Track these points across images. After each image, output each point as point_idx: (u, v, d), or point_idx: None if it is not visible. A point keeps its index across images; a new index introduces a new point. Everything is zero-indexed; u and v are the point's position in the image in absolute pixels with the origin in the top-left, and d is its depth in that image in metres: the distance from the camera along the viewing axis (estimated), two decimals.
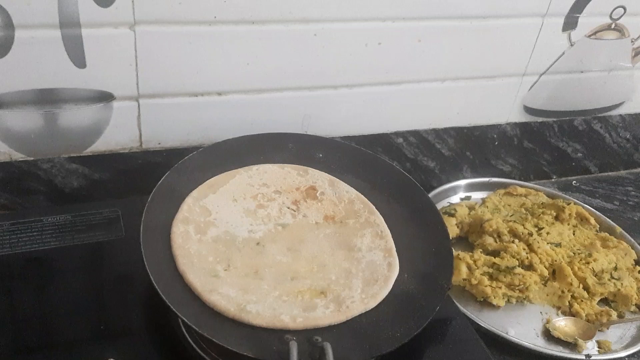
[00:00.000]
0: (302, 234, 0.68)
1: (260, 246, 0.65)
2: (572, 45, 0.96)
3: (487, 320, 0.75)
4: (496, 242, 0.84)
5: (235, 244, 0.65)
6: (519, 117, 1.02)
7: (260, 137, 0.78)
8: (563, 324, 0.77)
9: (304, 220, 0.70)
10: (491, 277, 0.79)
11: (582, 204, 0.96)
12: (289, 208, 0.71)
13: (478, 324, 0.73)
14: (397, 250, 0.67)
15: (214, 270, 0.61)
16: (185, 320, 0.54)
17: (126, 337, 0.63)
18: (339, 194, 0.74)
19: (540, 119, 1.04)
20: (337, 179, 0.76)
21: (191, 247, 0.63)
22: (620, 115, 1.10)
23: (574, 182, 1.10)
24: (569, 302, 0.79)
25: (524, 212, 0.92)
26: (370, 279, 0.63)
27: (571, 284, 0.79)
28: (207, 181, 0.72)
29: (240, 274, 0.62)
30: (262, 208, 0.70)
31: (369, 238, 0.68)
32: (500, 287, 0.78)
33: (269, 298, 0.59)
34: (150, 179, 0.68)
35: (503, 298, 0.77)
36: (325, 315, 0.58)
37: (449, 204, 0.96)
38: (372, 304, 0.60)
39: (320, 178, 0.75)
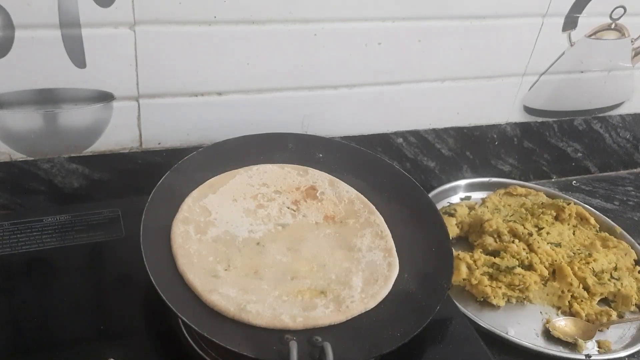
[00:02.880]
0: (302, 234, 0.68)
1: (260, 246, 0.65)
2: (572, 45, 0.96)
3: (487, 320, 0.75)
4: (496, 242, 0.84)
5: (235, 244, 0.65)
6: (519, 117, 1.02)
7: (260, 137, 0.78)
8: (563, 324, 0.77)
9: (303, 220, 0.70)
10: (491, 277, 0.79)
11: (582, 204, 0.96)
12: (288, 208, 0.71)
13: (478, 324, 0.73)
14: (397, 250, 0.67)
15: (214, 270, 0.61)
16: (185, 320, 0.54)
17: (126, 337, 0.63)
18: (339, 194, 0.74)
19: (540, 119, 1.04)
20: (337, 179, 0.76)
21: (191, 247, 0.63)
22: (620, 115, 1.10)
23: (574, 182, 1.10)
24: (568, 302, 0.79)
25: (524, 212, 0.92)
26: (370, 279, 0.63)
27: (571, 284, 0.79)
28: (207, 181, 0.72)
29: (240, 274, 0.62)
30: (262, 208, 0.70)
31: (369, 238, 0.68)
32: (500, 287, 0.78)
33: (269, 298, 0.59)
34: (150, 179, 0.68)
35: (503, 298, 0.77)
36: (325, 315, 0.58)
37: (449, 204, 0.96)
38: (372, 303, 0.60)
39: (320, 178, 0.75)
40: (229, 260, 0.63)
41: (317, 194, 0.73)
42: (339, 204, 0.72)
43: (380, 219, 0.71)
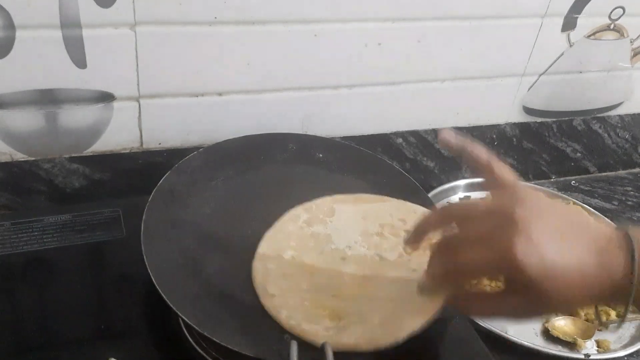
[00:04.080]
0: (391, 274, 0.64)
1: (342, 260, 0.64)
2: (571, 45, 0.96)
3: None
4: None
5: (326, 245, 0.65)
6: (518, 117, 1.02)
7: (260, 137, 0.78)
8: (562, 324, 0.77)
9: (404, 263, 0.65)
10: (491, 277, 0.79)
11: (581, 204, 0.97)
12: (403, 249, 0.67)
13: (478, 324, 0.73)
14: None
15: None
16: (186, 320, 0.54)
17: (126, 337, 0.63)
18: None
19: (539, 119, 1.04)
20: None
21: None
22: (619, 115, 1.11)
23: (573, 182, 1.11)
24: None
25: None
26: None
27: None
28: (358, 195, 0.72)
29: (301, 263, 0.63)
30: (381, 236, 0.68)
31: None
32: (500, 287, 0.77)
33: (296, 296, 0.59)
34: (151, 179, 0.68)
35: None
36: (316, 331, 0.56)
37: (448, 204, 0.96)
38: (365, 346, 0.57)
39: None
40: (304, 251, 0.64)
41: None
42: None
43: None
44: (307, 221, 0.68)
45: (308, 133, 0.88)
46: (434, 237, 0.55)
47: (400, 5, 0.81)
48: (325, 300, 0.60)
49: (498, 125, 1.01)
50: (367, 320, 0.58)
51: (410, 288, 0.59)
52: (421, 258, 0.60)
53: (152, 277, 0.56)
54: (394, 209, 0.71)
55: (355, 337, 0.56)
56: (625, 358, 0.74)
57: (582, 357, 0.72)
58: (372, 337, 0.56)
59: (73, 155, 0.79)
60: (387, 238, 0.68)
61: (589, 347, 0.75)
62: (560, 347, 0.74)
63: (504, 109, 1.00)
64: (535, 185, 1.01)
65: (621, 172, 1.17)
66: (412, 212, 0.70)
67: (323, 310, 0.59)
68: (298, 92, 0.85)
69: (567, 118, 1.06)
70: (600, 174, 1.15)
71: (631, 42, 1.01)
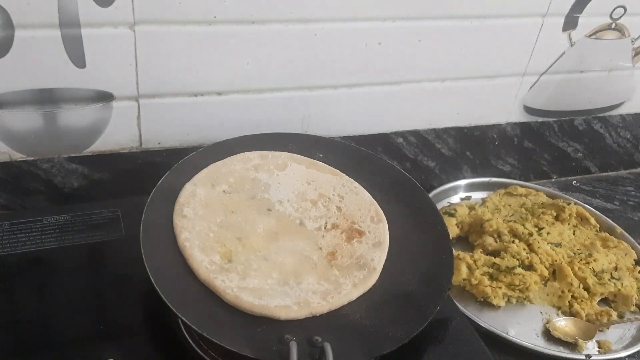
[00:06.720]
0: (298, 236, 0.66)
1: (268, 212, 0.67)
2: (572, 45, 0.96)
3: (487, 320, 0.75)
4: (496, 242, 0.84)
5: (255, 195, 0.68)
6: (519, 117, 1.02)
7: (260, 137, 0.78)
8: (563, 324, 0.77)
9: (315, 236, 0.66)
10: (491, 277, 0.79)
11: (583, 204, 0.96)
12: (328, 225, 0.68)
13: (478, 324, 0.73)
14: (396, 251, 0.67)
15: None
16: (185, 320, 0.54)
17: (126, 337, 0.63)
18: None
19: (540, 119, 1.04)
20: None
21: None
22: (621, 115, 1.10)
23: (574, 182, 1.10)
24: (569, 302, 0.79)
25: (524, 212, 0.92)
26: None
27: (571, 284, 0.79)
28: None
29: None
30: (313, 204, 0.70)
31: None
32: (500, 287, 0.77)
33: (205, 225, 0.62)
34: (150, 179, 0.67)
35: (503, 298, 0.77)
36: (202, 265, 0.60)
37: (449, 204, 0.96)
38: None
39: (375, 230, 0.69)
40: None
41: (357, 240, 0.67)
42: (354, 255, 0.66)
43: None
44: (256, 166, 0.72)
45: (308, 133, 0.88)
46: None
47: (400, 5, 0.81)
48: (228, 239, 0.62)
49: (499, 124, 1.01)
50: (247, 275, 0.60)
51: (303, 265, 0.62)
52: (333, 240, 0.66)
53: (151, 277, 0.56)
54: (339, 185, 0.73)
55: (225, 285, 0.58)
56: (627, 358, 0.74)
57: (583, 357, 0.72)
58: (237, 295, 0.58)
59: (72, 155, 0.79)
60: (318, 208, 0.70)
61: (590, 347, 0.75)
62: (561, 348, 0.74)
63: (504, 109, 1.00)
64: (537, 186, 1.01)
65: (622, 172, 1.16)
66: (353, 194, 0.72)
67: (221, 246, 0.61)
68: (298, 92, 0.85)
69: (568, 118, 1.06)
70: (601, 174, 1.15)
71: (632, 41, 1.01)
